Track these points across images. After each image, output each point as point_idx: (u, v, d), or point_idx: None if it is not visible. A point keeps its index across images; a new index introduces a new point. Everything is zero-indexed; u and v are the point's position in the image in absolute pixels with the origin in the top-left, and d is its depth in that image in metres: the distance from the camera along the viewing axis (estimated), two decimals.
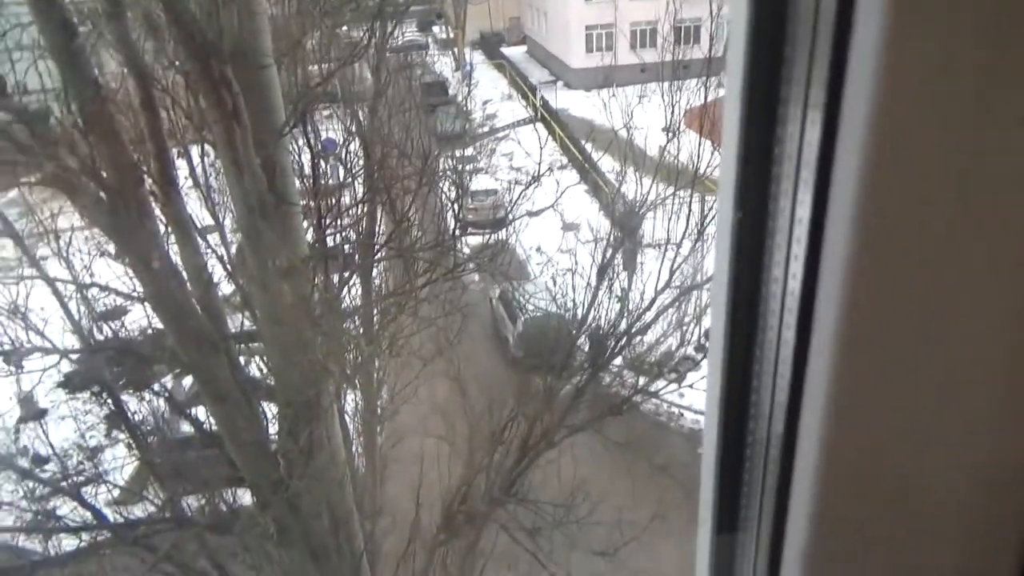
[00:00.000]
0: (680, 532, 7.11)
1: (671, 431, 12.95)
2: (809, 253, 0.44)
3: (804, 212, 0.44)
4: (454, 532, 6.27)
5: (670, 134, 9.07)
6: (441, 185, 8.19)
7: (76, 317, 6.29)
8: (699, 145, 9.12)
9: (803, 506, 0.46)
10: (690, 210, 9.26)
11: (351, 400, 7.08)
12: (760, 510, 0.53)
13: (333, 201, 6.55)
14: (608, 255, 7.79)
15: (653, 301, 7.63)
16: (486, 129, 21.73)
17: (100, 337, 6.30)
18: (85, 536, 5.69)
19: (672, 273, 7.80)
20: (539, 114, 26.61)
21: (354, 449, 6.72)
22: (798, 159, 0.44)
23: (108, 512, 5.82)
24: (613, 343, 7.60)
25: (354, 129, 7.66)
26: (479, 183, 15.76)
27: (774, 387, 0.50)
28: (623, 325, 7.73)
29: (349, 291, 6.74)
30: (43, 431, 6.26)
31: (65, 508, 5.79)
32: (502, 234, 9.51)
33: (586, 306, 7.75)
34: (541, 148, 8.66)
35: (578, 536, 6.30)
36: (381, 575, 6.52)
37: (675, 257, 7.86)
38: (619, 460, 7.18)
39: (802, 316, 0.45)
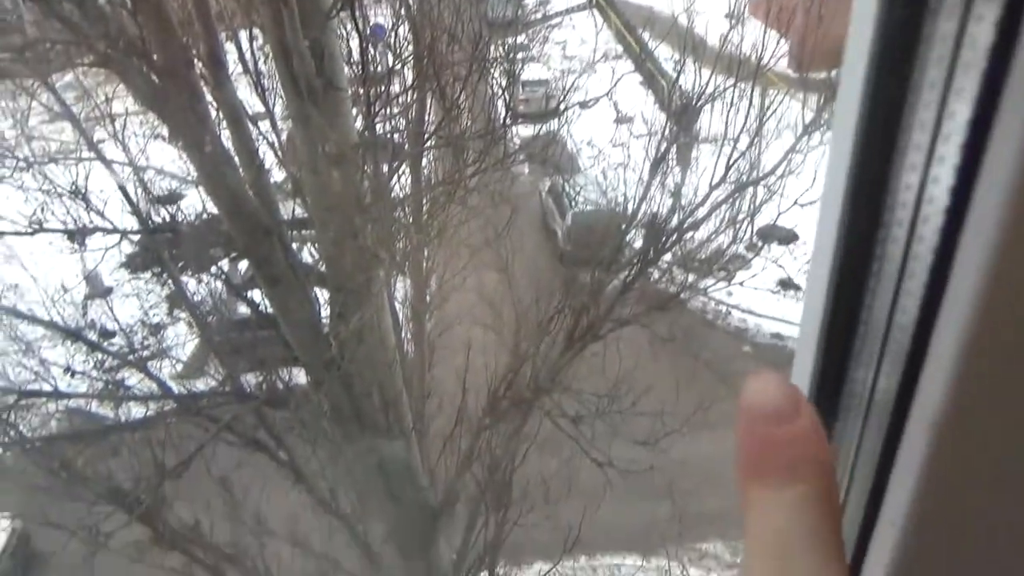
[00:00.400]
0: (721, 426, 7.21)
1: (717, 328, 12.94)
2: (962, 170, 0.35)
3: (954, 127, 0.36)
4: (499, 417, 6.46)
5: (733, 21, 8.58)
6: (492, 73, 7.97)
7: (134, 199, 6.44)
8: (763, 34, 8.64)
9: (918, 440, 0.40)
10: (750, 103, 8.88)
11: (400, 287, 7.20)
12: (864, 421, 0.47)
13: (382, 88, 6.45)
14: (662, 149, 7.56)
15: (706, 197, 7.45)
16: (539, 15, 20.87)
17: (157, 220, 6.47)
18: (152, 405, 6.05)
19: (728, 169, 7.57)
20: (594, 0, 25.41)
21: (403, 335, 6.89)
22: (952, 62, 0.36)
23: (172, 384, 6.15)
24: (663, 239, 7.50)
25: (403, 12, 7.43)
26: (531, 72, 15.29)
27: (894, 306, 0.43)
28: (674, 221, 7.60)
29: (398, 179, 6.73)
30: (109, 307, 6.56)
31: (133, 379, 6.13)
32: (553, 125, 9.29)
33: (637, 201, 7.61)
34: (596, 35, 8.29)
35: (620, 426, 6.45)
36: (428, 453, 6.81)
37: (731, 152, 7.61)
38: (664, 355, 7.24)
39: (944, 244, 0.37)
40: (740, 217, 8.36)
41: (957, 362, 0.37)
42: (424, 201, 6.64)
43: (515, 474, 6.81)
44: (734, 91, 8.27)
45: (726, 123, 8.17)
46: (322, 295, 6.11)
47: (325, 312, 5.90)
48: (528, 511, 6.85)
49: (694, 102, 8.28)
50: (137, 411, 6.15)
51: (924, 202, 0.39)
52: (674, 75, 8.93)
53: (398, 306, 6.92)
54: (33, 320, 6.01)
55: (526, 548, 7.06)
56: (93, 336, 6.42)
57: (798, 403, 0.38)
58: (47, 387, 5.64)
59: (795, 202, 7.52)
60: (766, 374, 0.39)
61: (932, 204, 0.38)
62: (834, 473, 0.38)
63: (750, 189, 8.14)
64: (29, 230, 5.92)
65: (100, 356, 6.06)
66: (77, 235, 6.05)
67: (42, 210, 6.10)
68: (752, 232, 11.66)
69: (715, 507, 8.01)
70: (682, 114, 8.84)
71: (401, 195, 6.78)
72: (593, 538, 7.64)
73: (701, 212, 7.64)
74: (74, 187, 6.39)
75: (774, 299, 12.52)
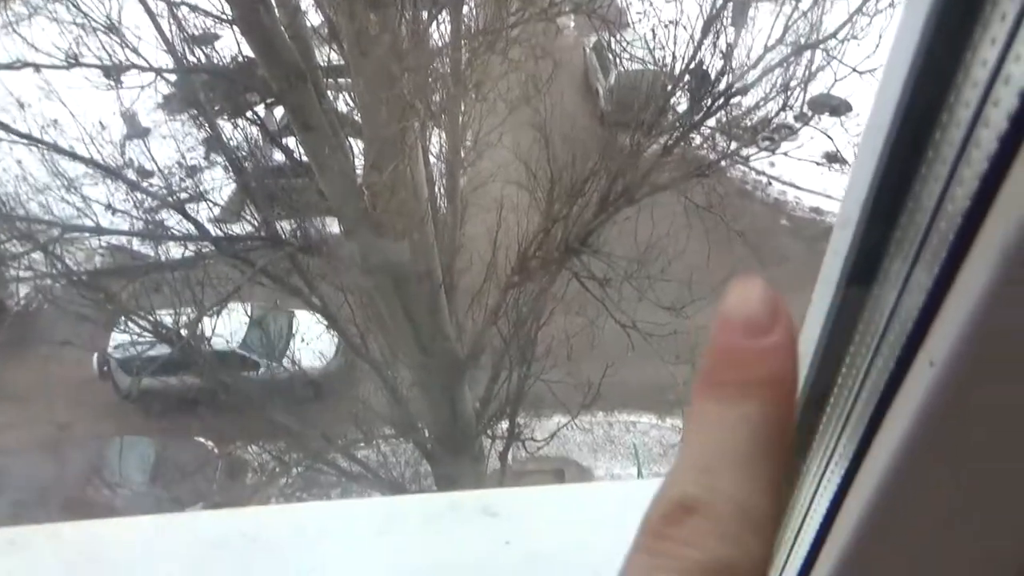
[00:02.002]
0: None
1: (755, 199, 12.67)
2: None
3: None
4: (527, 275, 6.54)
5: None
6: None
7: (169, 37, 6.31)
8: None
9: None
10: None
11: (436, 141, 7.10)
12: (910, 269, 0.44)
13: None
14: (717, 6, 7.14)
15: (759, 60, 7.09)
16: None
17: (193, 60, 6.36)
18: (190, 246, 6.22)
19: (785, 30, 7.15)
20: None
21: (437, 189, 6.87)
22: None
23: (210, 227, 6.28)
24: (709, 103, 7.22)
25: None
26: None
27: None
28: (723, 84, 7.28)
29: (438, 27, 6.47)
30: (146, 148, 6.61)
31: (171, 220, 6.27)
32: None
33: (685, 62, 7.27)
34: None
35: (647, 290, 6.49)
36: (457, 307, 6.97)
37: (792, 12, 7.15)
38: (698, 223, 7.15)
39: None
40: (793, 83, 7.96)
41: (1006, 254, 0.34)
42: (463, 51, 6.41)
43: (540, 332, 6.97)
44: None
45: None
46: (356, 145, 6.06)
47: (359, 162, 5.88)
48: (551, 367, 7.06)
49: None
50: (176, 251, 6.33)
51: (999, 81, 0.35)
52: None
53: (432, 160, 6.85)
54: (74, 157, 6.09)
55: (547, 401, 7.33)
56: (132, 176, 6.50)
57: (776, 316, 0.35)
58: (89, 223, 5.79)
59: (854, 69, 7.13)
60: (751, 280, 0.36)
61: (1008, 85, 0.34)
62: (793, 399, 0.35)
63: (807, 53, 7.68)
64: (65, 64, 5.88)
65: (139, 196, 6.17)
66: (113, 71, 5.99)
67: (77, 44, 6.02)
68: (804, 100, 11.15)
69: None
70: None
71: (440, 44, 6.55)
72: (612, 395, 7.90)
73: (752, 76, 7.29)
74: (108, 21, 6.26)
75: (818, 172, 12.12)
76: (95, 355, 7.42)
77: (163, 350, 6.61)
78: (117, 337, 8.86)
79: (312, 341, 7.54)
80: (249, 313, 7.66)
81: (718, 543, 0.31)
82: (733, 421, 0.33)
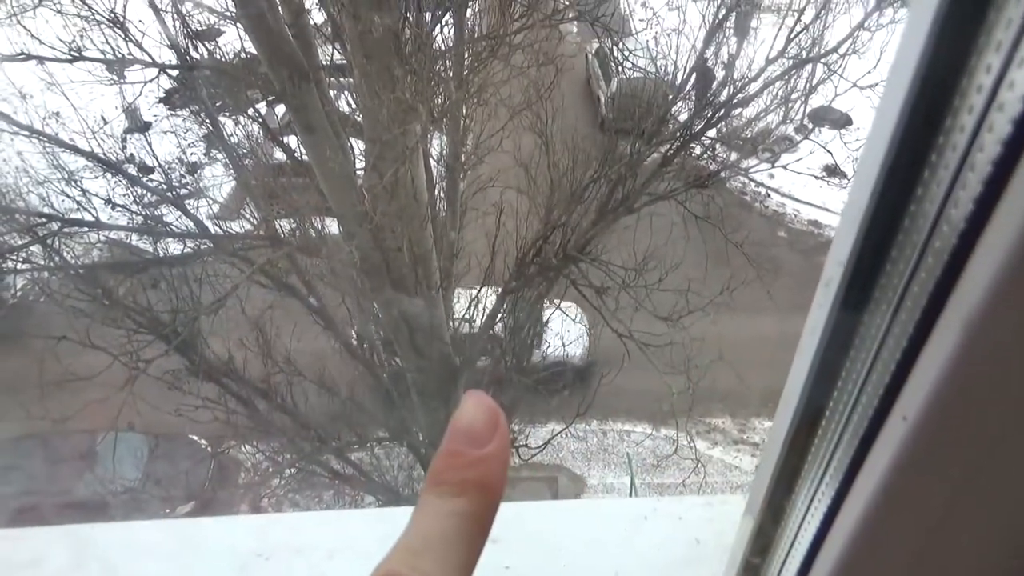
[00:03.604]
0: (745, 309, 7.24)
1: (754, 211, 12.73)
2: None
3: None
4: (525, 281, 6.54)
5: None
6: None
7: (172, 33, 6.31)
8: None
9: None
10: None
11: (436, 145, 7.10)
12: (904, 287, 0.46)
13: None
14: (720, 16, 7.16)
15: (761, 72, 7.11)
16: None
17: (196, 56, 6.35)
18: (189, 243, 6.20)
19: (788, 42, 7.16)
20: None
21: (437, 193, 6.87)
22: None
23: (209, 224, 6.27)
24: (710, 113, 7.24)
25: None
26: None
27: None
28: (724, 95, 7.30)
29: (441, 30, 6.48)
30: (147, 143, 6.59)
31: (170, 216, 6.26)
32: None
33: (687, 71, 7.29)
34: None
35: (644, 300, 6.50)
36: (454, 312, 6.97)
37: (794, 25, 7.17)
38: (696, 233, 7.17)
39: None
40: (794, 96, 7.99)
41: (1007, 264, 0.36)
42: (466, 55, 6.42)
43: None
44: None
45: None
46: (357, 146, 6.06)
47: (360, 164, 5.87)
48: None
49: None
50: (175, 248, 6.31)
51: (1000, 93, 0.36)
52: None
53: (432, 163, 6.85)
54: (75, 150, 6.07)
55: (541, 409, 7.34)
56: (132, 170, 6.48)
57: (495, 430, 0.42)
58: (89, 217, 5.77)
59: (854, 84, 7.16)
60: (481, 396, 0.43)
61: (1008, 102, 0.35)
62: (496, 500, 0.42)
63: (808, 66, 7.72)
64: (68, 57, 5.87)
65: (139, 191, 6.15)
66: (116, 66, 5.99)
67: (81, 37, 6.02)
68: (804, 113, 11.20)
69: (727, 386, 8.19)
70: None
71: (443, 47, 6.56)
72: (606, 404, 7.91)
73: (753, 87, 7.31)
74: (112, 15, 6.25)
75: (817, 185, 12.18)
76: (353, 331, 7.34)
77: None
78: None
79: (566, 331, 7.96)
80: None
81: None
82: (445, 513, 0.40)
